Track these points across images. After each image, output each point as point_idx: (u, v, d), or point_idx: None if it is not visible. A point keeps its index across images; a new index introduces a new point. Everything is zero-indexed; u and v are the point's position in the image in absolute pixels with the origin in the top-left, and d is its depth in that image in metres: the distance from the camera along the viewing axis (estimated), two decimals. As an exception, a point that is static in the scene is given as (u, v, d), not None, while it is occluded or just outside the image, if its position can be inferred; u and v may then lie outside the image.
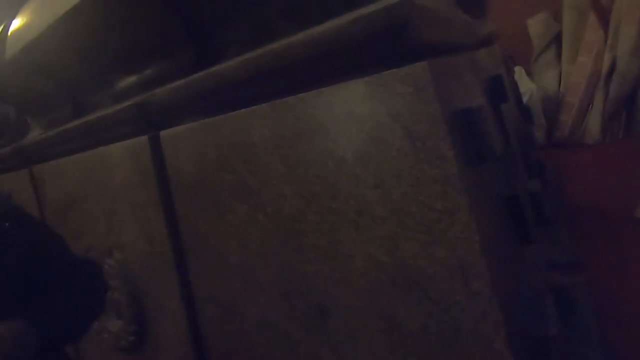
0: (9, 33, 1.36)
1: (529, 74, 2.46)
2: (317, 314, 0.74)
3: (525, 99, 2.29)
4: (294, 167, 0.71)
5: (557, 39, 2.40)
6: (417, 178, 0.58)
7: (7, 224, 0.70)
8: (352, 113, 0.62)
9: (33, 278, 0.70)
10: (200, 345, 0.96)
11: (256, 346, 0.85)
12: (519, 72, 2.48)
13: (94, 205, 1.17)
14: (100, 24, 1.11)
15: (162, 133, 0.94)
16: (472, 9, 1.42)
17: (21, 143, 1.55)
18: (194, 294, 0.96)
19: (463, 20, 0.99)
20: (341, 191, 0.66)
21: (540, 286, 1.04)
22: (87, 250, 1.20)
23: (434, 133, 0.55)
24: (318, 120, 0.66)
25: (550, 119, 2.42)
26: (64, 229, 1.03)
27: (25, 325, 0.62)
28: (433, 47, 0.62)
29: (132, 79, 1.24)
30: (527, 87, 2.38)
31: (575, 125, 2.30)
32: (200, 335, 0.97)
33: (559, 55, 2.40)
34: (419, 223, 0.59)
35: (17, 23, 1.36)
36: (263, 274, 0.81)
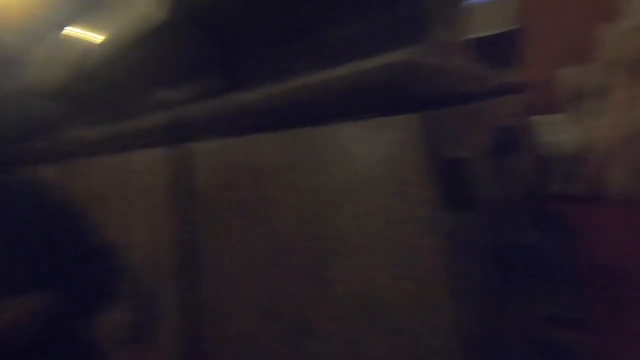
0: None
1: (555, 124, 2.46)
2: (297, 331, 0.78)
3: (548, 149, 2.29)
4: (289, 192, 0.78)
5: (588, 93, 2.41)
6: (393, 216, 0.63)
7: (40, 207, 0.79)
8: (344, 151, 0.69)
9: (56, 254, 0.77)
10: (190, 344, 1.02)
11: (237, 355, 0.90)
12: (544, 122, 2.48)
13: (114, 204, 1.28)
14: (150, 46, 1.25)
15: (184, 147, 1.04)
16: (500, 58, 1.48)
17: (60, 140, 1.72)
18: (192, 297, 1.03)
19: (473, 72, 1.06)
20: (327, 220, 0.72)
21: (521, 337, 1.04)
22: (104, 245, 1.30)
23: (414, 177, 0.61)
24: (314, 154, 0.74)
25: (573, 172, 2.39)
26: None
27: (40, 299, 0.70)
28: (428, 99, 0.68)
29: (165, 95, 1.38)
30: (551, 137, 2.38)
31: (599, 180, 2.26)
32: (192, 335, 1.03)
33: (588, 108, 2.40)
34: (391, 257, 0.64)
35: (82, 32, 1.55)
36: (251, 287, 0.87)
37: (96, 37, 1.48)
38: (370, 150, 0.67)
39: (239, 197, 0.88)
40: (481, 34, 1.49)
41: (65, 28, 1.75)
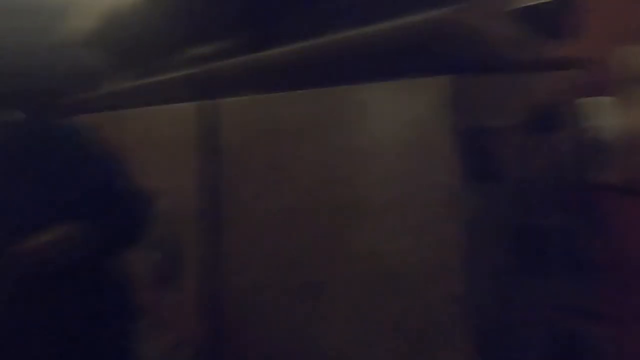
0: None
1: (602, 107, 2.31)
2: (311, 288, 0.81)
3: (597, 133, 2.16)
4: (321, 150, 0.78)
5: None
6: (419, 181, 0.63)
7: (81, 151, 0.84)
8: (375, 111, 0.68)
9: (92, 192, 0.82)
10: (218, 290, 1.08)
11: (261, 302, 0.95)
12: (591, 104, 2.33)
13: (147, 154, 1.33)
14: (182, 2, 1.25)
15: (218, 102, 1.06)
16: (550, 30, 1.37)
17: (97, 92, 1.78)
18: (216, 245, 1.08)
19: (517, 40, 0.99)
20: (351, 180, 0.73)
21: (542, 323, 1.03)
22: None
23: (443, 143, 0.60)
24: (346, 112, 0.73)
25: (613, 160, 2.26)
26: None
27: (73, 229, 0.75)
28: (464, 63, 0.65)
29: (196, 51, 1.38)
30: (597, 121, 2.24)
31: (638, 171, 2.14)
32: (220, 281, 1.09)
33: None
34: (412, 222, 0.64)
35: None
36: (273, 240, 0.90)
37: None
38: (398, 111, 0.65)
39: (264, 152, 0.89)
40: (531, 2, 1.38)
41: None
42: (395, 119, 0.65)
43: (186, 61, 1.34)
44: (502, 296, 0.75)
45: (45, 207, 0.79)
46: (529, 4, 1.50)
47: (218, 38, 1.25)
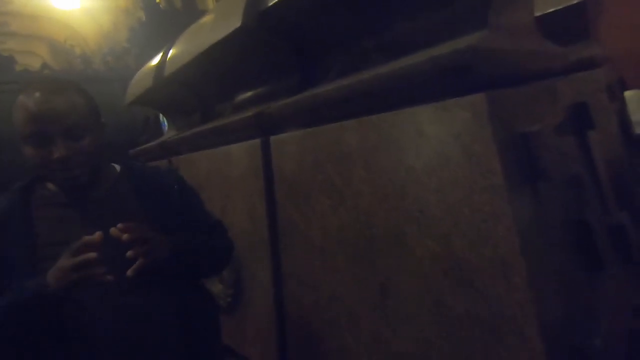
0: (167, 58, 1.81)
1: (642, 100, 2.24)
2: (379, 293, 0.90)
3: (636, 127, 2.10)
4: (372, 171, 0.89)
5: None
6: (471, 187, 0.71)
7: (176, 186, 0.96)
8: (421, 131, 0.78)
9: (185, 222, 0.93)
10: (282, 311, 1.18)
11: (325, 318, 1.04)
12: (634, 98, 2.27)
13: (213, 191, 1.50)
14: (228, 52, 1.44)
15: (272, 138, 1.21)
16: (572, 33, 1.43)
17: (164, 140, 2.02)
18: (282, 268, 1.20)
19: (543, 50, 1.07)
20: (408, 193, 0.82)
21: (606, 321, 1.03)
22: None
23: (486, 151, 0.68)
24: (394, 136, 0.83)
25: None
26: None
27: (169, 243, 0.82)
28: (495, 79, 0.74)
29: (249, 94, 1.57)
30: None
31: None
32: (283, 303, 1.20)
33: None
34: (469, 223, 0.72)
35: (172, 51, 1.81)
36: (339, 257, 1.00)
37: (188, 50, 1.71)
38: (444, 129, 0.75)
39: (325, 178, 1.01)
40: (550, 9, 1.45)
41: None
42: (442, 136, 0.75)
43: (241, 104, 1.52)
44: (563, 290, 0.79)
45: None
46: (549, 10, 1.57)
47: (268, 81, 1.42)
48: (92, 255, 0.69)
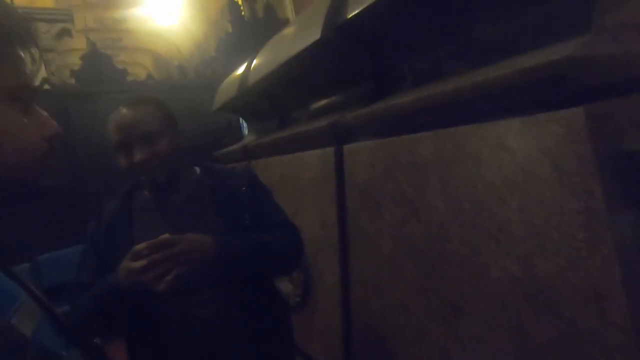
0: (251, 68, 1.96)
1: None
2: (451, 310, 0.87)
3: None
4: (447, 184, 0.86)
5: None
6: (561, 207, 0.65)
7: (247, 187, 0.97)
8: (505, 145, 0.74)
9: (255, 221, 0.94)
10: (348, 313, 1.20)
11: (392, 326, 1.03)
12: None
13: (287, 195, 1.58)
14: (307, 63, 1.50)
15: (345, 147, 1.24)
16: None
17: (245, 143, 2.18)
18: (350, 273, 1.22)
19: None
20: (486, 209, 0.78)
21: None
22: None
23: (582, 170, 0.62)
24: (473, 149, 0.80)
25: None
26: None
27: (212, 241, 0.82)
28: (594, 92, 0.67)
29: (324, 103, 1.62)
30: None
31: None
32: (349, 306, 1.22)
33: None
34: (557, 248, 0.66)
35: (255, 62, 1.95)
36: (408, 268, 0.99)
37: (270, 61, 1.82)
38: (532, 144, 0.69)
39: (396, 188, 1.00)
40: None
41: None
42: (528, 152, 0.70)
43: (316, 112, 1.58)
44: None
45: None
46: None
47: (344, 90, 1.46)
48: (137, 264, 0.73)
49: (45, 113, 0.43)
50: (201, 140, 3.34)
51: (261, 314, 0.94)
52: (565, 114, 0.64)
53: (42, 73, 5.00)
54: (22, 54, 0.39)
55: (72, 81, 3.39)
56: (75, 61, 3.62)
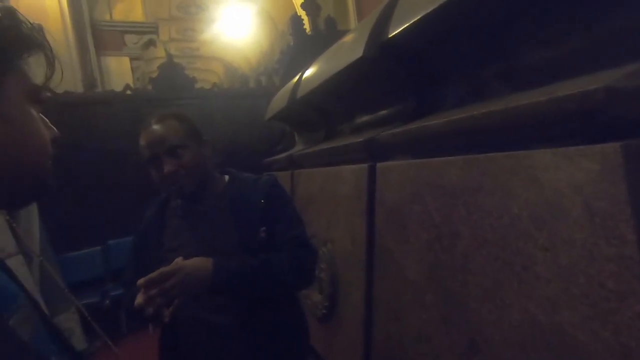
0: (302, 80, 2.03)
1: None
2: (469, 346, 0.82)
3: None
4: (473, 213, 0.82)
5: None
6: (591, 251, 0.59)
7: (264, 199, 0.98)
8: (534, 178, 0.69)
9: (269, 234, 0.95)
10: (370, 332, 1.19)
11: (410, 353, 1.00)
12: None
13: (322, 206, 1.61)
14: (351, 79, 1.53)
15: (379, 164, 1.23)
16: None
17: (291, 153, 2.26)
18: (374, 292, 1.20)
19: None
20: (510, 244, 0.73)
21: None
22: (312, 236, 1.66)
23: (616, 213, 0.56)
24: (501, 179, 0.76)
25: None
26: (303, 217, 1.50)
27: (211, 265, 0.83)
28: (631, 127, 0.60)
29: (366, 118, 1.63)
30: None
31: None
32: (371, 326, 1.20)
33: None
34: (584, 295, 0.60)
35: (305, 75, 2.03)
36: (430, 295, 0.95)
37: (317, 75, 1.88)
38: (563, 179, 0.64)
39: (423, 211, 0.98)
40: None
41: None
42: (559, 187, 0.64)
43: (359, 127, 1.60)
44: None
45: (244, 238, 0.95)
46: None
47: (383, 107, 1.45)
48: (139, 300, 0.76)
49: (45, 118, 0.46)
50: (257, 147, 3.53)
51: (276, 323, 0.96)
52: (600, 149, 0.59)
53: (129, 79, 5.67)
54: (39, 57, 0.42)
55: (150, 87, 3.79)
56: (155, 69, 4.05)
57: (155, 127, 0.94)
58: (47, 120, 0.45)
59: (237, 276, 0.87)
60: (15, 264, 2.29)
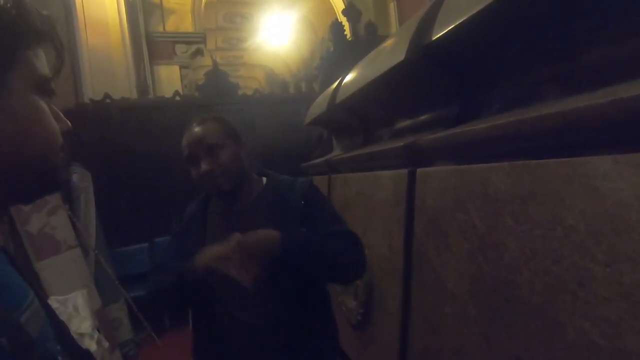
0: (342, 85, 2.04)
1: None
2: (513, 366, 0.76)
3: None
4: (522, 223, 0.77)
5: None
6: (659, 270, 0.53)
7: (303, 200, 1.00)
8: (592, 186, 0.63)
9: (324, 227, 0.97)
10: (405, 343, 1.15)
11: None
12: None
13: (360, 211, 1.59)
14: (392, 83, 1.50)
15: (419, 170, 1.20)
16: None
17: (328, 158, 2.26)
18: (410, 302, 1.16)
19: None
20: (564, 257, 0.67)
21: None
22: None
23: (692, 227, 0.50)
24: (554, 187, 0.70)
25: None
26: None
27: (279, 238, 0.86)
28: None
29: (406, 123, 1.59)
30: None
31: None
32: (406, 337, 1.16)
33: None
34: (651, 318, 0.54)
35: (345, 80, 2.03)
36: (471, 309, 0.90)
37: (357, 80, 1.87)
38: (625, 188, 0.58)
39: (465, 219, 0.93)
40: None
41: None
42: (621, 197, 0.59)
43: (399, 132, 1.57)
44: None
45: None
46: None
47: (429, 111, 1.42)
48: (225, 250, 0.81)
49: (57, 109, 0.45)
50: (295, 152, 3.58)
51: (309, 324, 0.97)
52: (672, 157, 0.53)
53: (177, 86, 6.00)
54: (47, 47, 0.41)
55: (196, 94, 3.98)
56: (202, 76, 4.27)
57: (196, 128, 0.98)
58: (59, 112, 0.44)
59: (305, 246, 0.89)
60: (74, 256, 2.49)
